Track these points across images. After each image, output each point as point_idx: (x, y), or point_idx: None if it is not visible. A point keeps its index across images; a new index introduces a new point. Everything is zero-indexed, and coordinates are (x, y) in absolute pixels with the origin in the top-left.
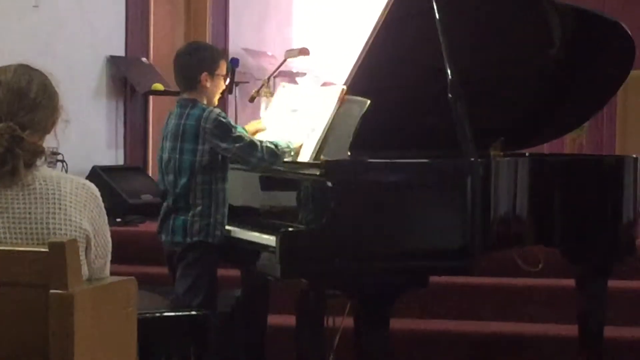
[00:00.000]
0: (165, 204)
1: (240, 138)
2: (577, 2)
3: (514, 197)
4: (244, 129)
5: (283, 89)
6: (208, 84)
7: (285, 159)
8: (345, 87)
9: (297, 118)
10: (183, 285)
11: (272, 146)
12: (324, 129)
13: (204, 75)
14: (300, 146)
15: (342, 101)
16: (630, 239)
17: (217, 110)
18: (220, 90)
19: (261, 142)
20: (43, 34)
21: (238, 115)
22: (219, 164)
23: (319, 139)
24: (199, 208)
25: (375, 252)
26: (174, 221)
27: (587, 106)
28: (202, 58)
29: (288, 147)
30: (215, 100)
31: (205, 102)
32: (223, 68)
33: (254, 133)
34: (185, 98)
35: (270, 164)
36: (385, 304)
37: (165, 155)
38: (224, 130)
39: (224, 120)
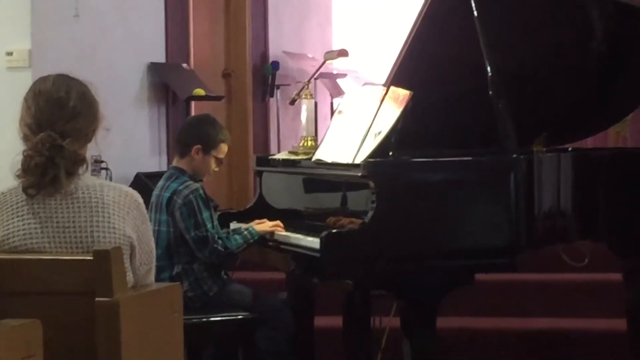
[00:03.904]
0: None
1: (199, 226)
2: None
3: (557, 193)
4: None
5: (339, 114)
6: (198, 157)
7: (329, 161)
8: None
9: (362, 125)
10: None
11: (222, 249)
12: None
13: (197, 147)
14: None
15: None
16: None
17: (195, 186)
18: (209, 170)
19: (214, 238)
20: (84, 42)
21: (280, 117)
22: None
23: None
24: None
25: (419, 252)
26: None
27: (630, 99)
28: (203, 132)
29: (250, 233)
30: (203, 175)
31: (191, 172)
32: (221, 151)
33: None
34: (174, 166)
35: (212, 261)
36: (432, 303)
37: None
38: (190, 210)
39: (194, 200)
